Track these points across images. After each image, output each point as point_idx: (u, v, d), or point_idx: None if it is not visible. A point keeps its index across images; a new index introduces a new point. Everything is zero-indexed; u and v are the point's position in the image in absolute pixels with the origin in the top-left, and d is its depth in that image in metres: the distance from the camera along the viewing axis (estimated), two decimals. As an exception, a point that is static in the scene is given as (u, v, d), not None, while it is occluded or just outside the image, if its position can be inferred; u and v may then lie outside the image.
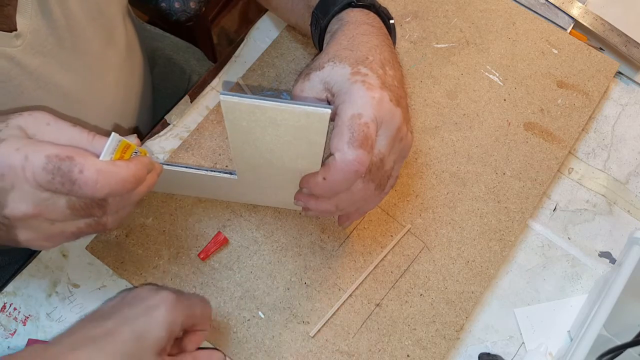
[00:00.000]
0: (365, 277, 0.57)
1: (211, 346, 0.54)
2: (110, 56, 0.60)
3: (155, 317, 0.43)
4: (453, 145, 0.64)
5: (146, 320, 0.43)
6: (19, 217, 0.38)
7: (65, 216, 0.39)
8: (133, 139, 0.42)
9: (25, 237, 0.39)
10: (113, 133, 0.39)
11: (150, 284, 0.55)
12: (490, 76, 0.68)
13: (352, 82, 0.43)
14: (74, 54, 0.53)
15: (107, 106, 0.63)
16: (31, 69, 0.49)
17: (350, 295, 0.57)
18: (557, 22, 0.72)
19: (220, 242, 0.57)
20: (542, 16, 0.72)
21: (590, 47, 0.70)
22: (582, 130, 0.67)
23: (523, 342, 0.58)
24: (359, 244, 0.59)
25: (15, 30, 0.45)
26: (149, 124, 0.77)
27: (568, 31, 0.71)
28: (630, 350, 0.51)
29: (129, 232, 0.57)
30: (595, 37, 0.72)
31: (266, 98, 0.38)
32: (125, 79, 0.66)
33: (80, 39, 0.53)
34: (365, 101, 0.42)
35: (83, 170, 0.36)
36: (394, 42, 0.52)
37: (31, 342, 0.53)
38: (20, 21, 0.46)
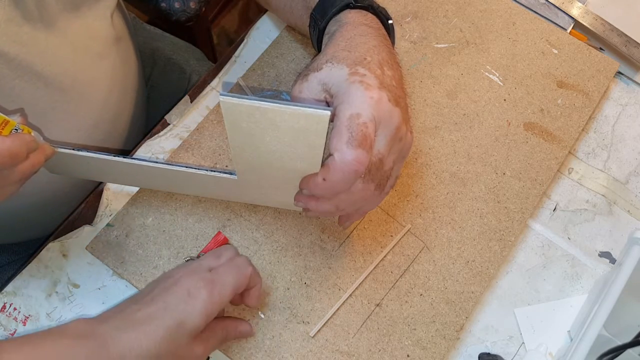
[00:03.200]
0: (365, 277, 0.57)
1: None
2: (95, 49, 0.59)
3: (194, 305, 0.45)
4: (453, 145, 0.64)
5: (185, 309, 0.45)
6: None
7: None
8: (16, 117, 0.42)
9: None
10: None
11: (191, 258, 0.56)
12: (490, 76, 0.68)
13: (350, 82, 0.43)
14: (51, 44, 0.53)
15: (100, 101, 0.63)
16: (9, 57, 0.49)
17: (350, 295, 0.57)
18: (557, 22, 0.72)
19: (220, 242, 0.57)
20: (542, 16, 0.72)
21: (590, 47, 0.70)
22: (582, 130, 0.67)
23: (523, 342, 0.58)
24: (359, 244, 0.59)
25: None
26: (142, 124, 0.77)
27: (568, 31, 0.71)
28: (630, 351, 0.51)
29: (129, 232, 0.57)
30: (595, 37, 0.72)
31: (266, 99, 0.38)
32: (121, 76, 0.66)
33: (54, 29, 0.53)
34: (363, 101, 0.42)
35: None
36: (393, 43, 0.52)
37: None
38: None
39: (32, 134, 0.44)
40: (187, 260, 0.56)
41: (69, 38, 0.55)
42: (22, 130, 0.43)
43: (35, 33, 0.50)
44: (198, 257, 0.56)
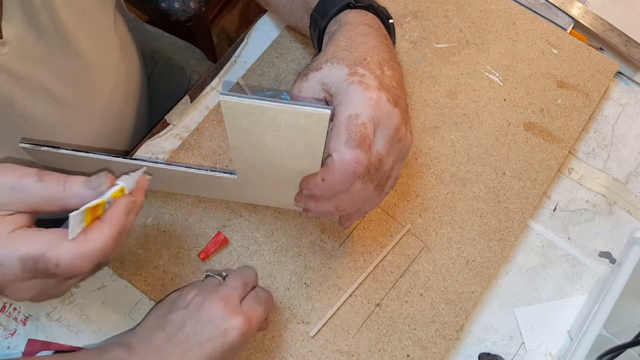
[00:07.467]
0: (365, 277, 0.57)
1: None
2: (102, 58, 0.60)
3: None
4: (453, 145, 0.64)
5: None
6: (21, 300, 0.41)
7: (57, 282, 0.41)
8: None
9: (24, 296, 0.41)
10: (70, 215, 0.37)
11: (212, 275, 0.52)
12: (490, 76, 0.68)
13: (350, 82, 0.43)
14: (64, 59, 0.53)
15: (104, 109, 0.63)
16: (19, 75, 0.49)
17: (350, 295, 0.57)
18: (557, 22, 0.72)
19: (220, 242, 0.57)
20: (542, 16, 0.72)
21: (590, 47, 0.70)
22: (582, 130, 0.67)
23: (523, 342, 0.58)
24: (359, 244, 0.59)
25: (1, 38, 0.46)
26: (145, 124, 0.77)
27: (568, 31, 0.71)
28: (630, 350, 0.51)
29: (129, 232, 0.57)
30: (595, 37, 0.72)
31: (266, 98, 0.38)
32: (124, 80, 0.66)
33: (69, 43, 0.52)
34: (362, 101, 0.42)
35: (59, 263, 0.37)
36: (394, 42, 0.52)
37: (31, 342, 0.53)
38: (6, 29, 0.46)
39: (124, 190, 0.40)
40: (208, 277, 0.52)
41: (80, 48, 0.55)
42: (114, 198, 0.39)
43: (48, 49, 0.50)
44: (220, 275, 0.52)
